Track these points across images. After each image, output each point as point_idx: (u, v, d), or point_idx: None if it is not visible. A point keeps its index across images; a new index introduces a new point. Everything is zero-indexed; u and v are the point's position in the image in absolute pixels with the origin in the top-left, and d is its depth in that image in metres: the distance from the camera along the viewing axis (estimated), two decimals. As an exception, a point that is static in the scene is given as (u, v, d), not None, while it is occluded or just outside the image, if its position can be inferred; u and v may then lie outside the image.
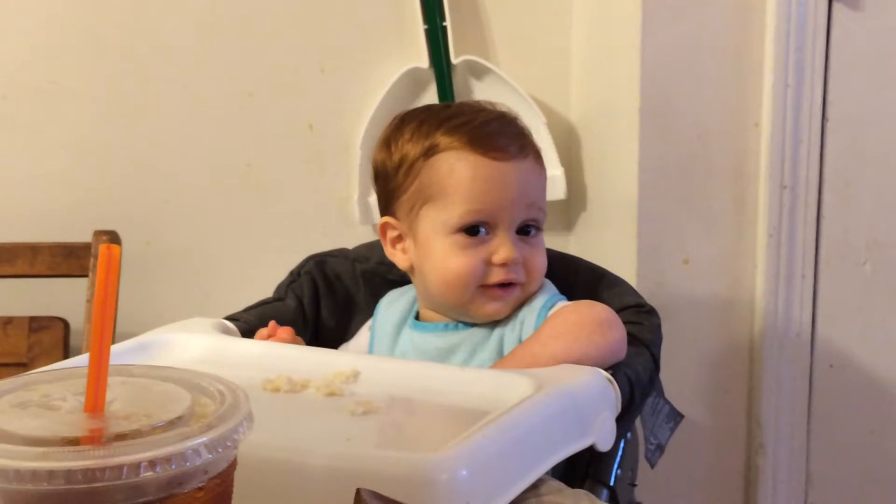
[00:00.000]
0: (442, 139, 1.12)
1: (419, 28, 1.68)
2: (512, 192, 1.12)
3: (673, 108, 1.58)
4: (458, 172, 1.11)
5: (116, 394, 0.53)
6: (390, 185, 1.16)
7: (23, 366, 1.50)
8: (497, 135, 1.13)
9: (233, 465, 0.54)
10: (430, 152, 1.13)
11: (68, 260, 1.52)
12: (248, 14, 1.69)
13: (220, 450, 0.50)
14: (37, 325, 1.52)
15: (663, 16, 1.55)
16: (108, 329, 0.49)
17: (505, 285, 1.13)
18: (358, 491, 0.61)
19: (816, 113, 1.59)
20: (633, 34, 1.56)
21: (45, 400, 0.53)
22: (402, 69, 1.70)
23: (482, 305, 1.13)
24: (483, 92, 1.72)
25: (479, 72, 1.72)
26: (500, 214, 1.12)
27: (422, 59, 1.69)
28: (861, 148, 1.62)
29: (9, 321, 1.52)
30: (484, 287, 1.12)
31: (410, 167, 1.14)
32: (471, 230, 1.11)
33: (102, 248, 0.47)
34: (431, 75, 1.70)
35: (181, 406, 0.53)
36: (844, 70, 1.59)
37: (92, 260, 1.51)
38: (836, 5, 1.57)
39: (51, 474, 0.46)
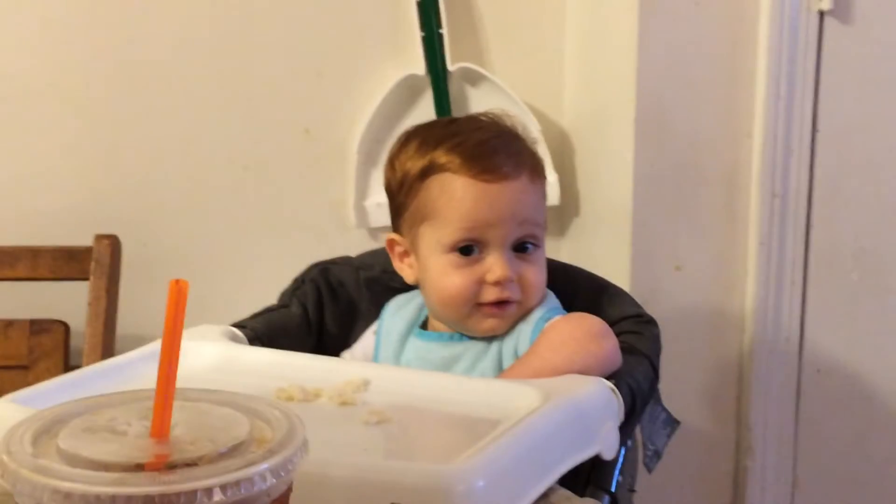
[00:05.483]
0: (438, 160, 1.14)
1: (416, 35, 1.70)
2: (502, 211, 1.12)
3: (667, 117, 1.60)
4: (448, 193, 1.13)
5: (178, 418, 0.55)
6: (395, 202, 1.19)
7: (23, 368, 1.50)
8: (491, 154, 1.14)
9: (290, 489, 0.55)
10: (426, 173, 1.14)
11: (69, 263, 1.53)
12: (246, 19, 1.70)
13: (282, 474, 0.52)
14: (37, 327, 1.52)
15: (658, 25, 1.58)
16: (174, 359, 0.51)
17: (501, 303, 1.14)
18: (392, 506, 0.62)
19: (807, 124, 1.62)
20: (629, 43, 1.58)
21: (112, 424, 0.55)
22: (398, 76, 1.71)
23: (479, 322, 1.15)
24: (478, 98, 1.74)
25: (474, 79, 1.73)
26: (491, 233, 1.13)
27: (418, 66, 1.71)
28: (850, 158, 1.65)
29: (9, 324, 1.52)
30: (480, 304, 1.14)
31: (410, 187, 1.16)
32: (464, 249, 1.13)
33: (172, 284, 0.49)
34: (428, 82, 1.71)
35: (242, 431, 0.54)
36: (835, 82, 1.62)
37: (93, 264, 1.52)
38: (827, 19, 1.60)
39: (129, 500, 0.48)
